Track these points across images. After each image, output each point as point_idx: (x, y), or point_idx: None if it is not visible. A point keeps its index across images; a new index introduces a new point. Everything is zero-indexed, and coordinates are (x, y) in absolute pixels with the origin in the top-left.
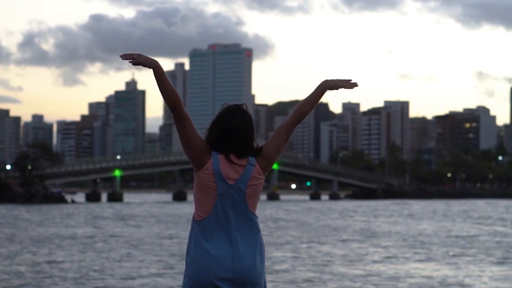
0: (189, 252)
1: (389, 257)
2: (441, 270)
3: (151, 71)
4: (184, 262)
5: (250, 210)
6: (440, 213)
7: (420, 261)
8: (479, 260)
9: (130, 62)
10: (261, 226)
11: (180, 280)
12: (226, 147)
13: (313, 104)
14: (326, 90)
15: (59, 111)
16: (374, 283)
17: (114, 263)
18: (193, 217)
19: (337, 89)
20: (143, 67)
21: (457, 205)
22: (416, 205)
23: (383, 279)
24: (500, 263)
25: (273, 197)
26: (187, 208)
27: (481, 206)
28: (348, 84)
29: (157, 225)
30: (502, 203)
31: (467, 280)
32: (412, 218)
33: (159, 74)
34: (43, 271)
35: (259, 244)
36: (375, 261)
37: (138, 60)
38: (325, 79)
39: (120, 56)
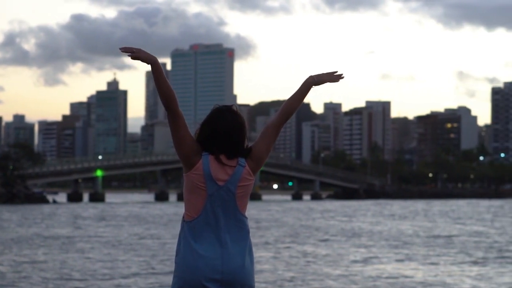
0: (178, 252)
1: (370, 257)
2: (422, 270)
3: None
4: (165, 262)
5: (240, 211)
6: (422, 213)
7: (401, 261)
8: (460, 259)
9: (128, 55)
10: None
11: (161, 280)
12: (216, 148)
13: (299, 101)
14: (311, 87)
15: (41, 111)
16: (356, 282)
17: (95, 263)
18: (183, 217)
19: (322, 83)
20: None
21: (438, 205)
22: (398, 205)
23: (364, 279)
24: (479, 263)
25: (255, 197)
26: (169, 208)
27: (462, 206)
28: (333, 78)
29: (139, 225)
30: (483, 203)
31: (448, 280)
32: (394, 218)
33: (157, 70)
34: (24, 271)
35: (248, 246)
36: (356, 261)
37: (137, 55)
38: (309, 75)
39: (120, 49)
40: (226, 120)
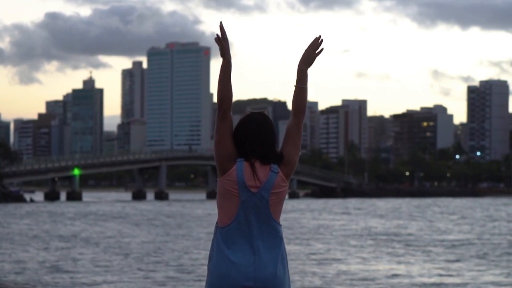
0: (211, 258)
1: (343, 255)
2: (395, 267)
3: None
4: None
5: (274, 218)
6: (398, 211)
7: (376, 258)
8: (432, 256)
9: (217, 34)
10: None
11: (136, 280)
12: (250, 151)
13: (302, 91)
14: (305, 71)
15: (16, 110)
16: (325, 280)
17: (72, 261)
18: (216, 223)
19: (313, 61)
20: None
21: (414, 204)
22: (375, 204)
23: (334, 276)
24: (448, 260)
25: None
26: (145, 206)
27: (438, 204)
28: (316, 48)
29: (117, 224)
30: (459, 202)
31: (417, 279)
32: (370, 216)
33: (228, 69)
34: (1, 269)
35: (282, 253)
36: (326, 259)
37: (221, 41)
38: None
39: (220, 24)
40: (256, 121)
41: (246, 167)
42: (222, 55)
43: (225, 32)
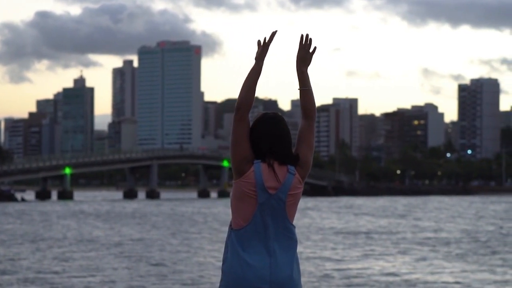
0: (225, 261)
1: (332, 254)
2: (385, 265)
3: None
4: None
5: (289, 220)
6: (389, 209)
7: (365, 256)
8: (422, 254)
9: (264, 38)
10: (207, 225)
11: (129, 280)
12: (267, 152)
13: (306, 92)
14: (305, 71)
15: (7, 109)
16: (319, 279)
17: (62, 260)
18: (230, 225)
19: (310, 60)
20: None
21: (405, 202)
22: (366, 202)
23: (326, 275)
24: (436, 258)
25: (224, 194)
26: (136, 205)
27: (429, 202)
28: (310, 47)
29: (108, 223)
30: (450, 200)
31: (403, 277)
32: (360, 214)
33: (257, 72)
34: None
35: (296, 255)
36: (318, 258)
37: (265, 45)
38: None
39: (276, 31)
40: (271, 120)
41: (265, 169)
42: (257, 58)
43: (272, 40)
